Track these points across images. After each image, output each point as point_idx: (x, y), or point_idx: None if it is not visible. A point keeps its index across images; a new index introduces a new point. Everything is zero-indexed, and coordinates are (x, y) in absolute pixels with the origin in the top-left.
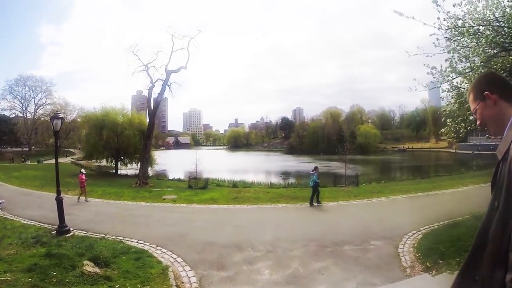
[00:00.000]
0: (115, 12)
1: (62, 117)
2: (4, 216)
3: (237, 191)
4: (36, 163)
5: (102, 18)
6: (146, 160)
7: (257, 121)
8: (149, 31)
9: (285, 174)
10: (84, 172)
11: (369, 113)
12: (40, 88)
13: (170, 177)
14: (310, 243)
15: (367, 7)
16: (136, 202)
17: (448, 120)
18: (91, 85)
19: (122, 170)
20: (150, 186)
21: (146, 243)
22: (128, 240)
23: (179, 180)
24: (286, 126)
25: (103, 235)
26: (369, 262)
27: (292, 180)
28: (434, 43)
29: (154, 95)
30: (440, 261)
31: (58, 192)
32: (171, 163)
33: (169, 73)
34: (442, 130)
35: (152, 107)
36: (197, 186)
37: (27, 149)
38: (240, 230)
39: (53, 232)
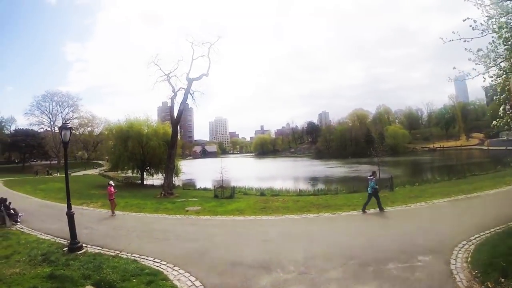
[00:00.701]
0: (135, 27)
1: (71, 127)
2: (22, 230)
3: (265, 200)
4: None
5: (123, 34)
6: (170, 170)
7: (283, 127)
8: (168, 41)
9: (314, 180)
10: (113, 184)
11: (396, 113)
12: (67, 103)
13: (197, 186)
14: (348, 261)
15: (384, 3)
16: (158, 215)
17: (501, 109)
18: (117, 99)
19: (149, 181)
20: (175, 196)
21: (162, 263)
22: (144, 259)
23: (205, 189)
24: (312, 130)
25: (118, 252)
26: (420, 285)
27: (321, 186)
28: (471, 26)
29: (178, 104)
30: (503, 280)
31: (69, 207)
32: (198, 172)
33: (191, 81)
34: (494, 122)
35: (175, 116)
36: (223, 196)
37: (56, 162)
38: (268, 246)
39: (65, 249)
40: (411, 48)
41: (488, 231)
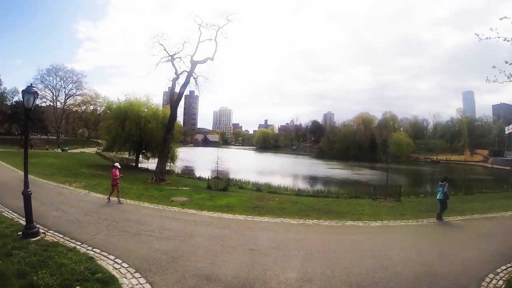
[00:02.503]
0: (149, 10)
1: (36, 91)
2: None
3: (259, 198)
4: (61, 151)
5: (136, 15)
6: (165, 155)
7: (287, 123)
8: (178, 24)
9: (314, 180)
10: (119, 166)
11: (401, 121)
12: (71, 79)
13: (192, 174)
14: None
15: (398, 13)
16: (139, 202)
17: None
18: (124, 80)
19: (144, 164)
20: (167, 183)
21: (123, 265)
22: (103, 257)
23: (199, 178)
24: (316, 129)
25: (78, 244)
26: None
27: (321, 187)
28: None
29: (179, 87)
30: None
31: (26, 185)
32: (197, 160)
33: (195, 63)
34: None
35: (175, 98)
36: (216, 187)
37: (55, 137)
38: (256, 257)
39: (19, 233)
40: (420, 58)
41: None
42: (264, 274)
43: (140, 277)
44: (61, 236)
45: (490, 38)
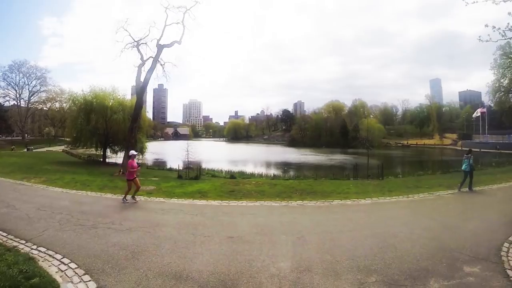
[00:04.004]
0: (118, 4)
1: None
2: None
3: (235, 183)
4: (25, 150)
5: (103, 10)
6: (131, 146)
7: (258, 114)
8: (146, 13)
9: (288, 166)
10: (135, 153)
11: (371, 108)
12: (35, 75)
13: (163, 167)
14: (365, 276)
15: (365, 5)
16: (101, 194)
17: None
18: (92, 77)
19: (112, 159)
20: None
21: (71, 265)
22: (48, 257)
23: (170, 169)
24: (287, 118)
25: (22, 242)
26: None
27: (296, 173)
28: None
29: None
30: None
31: None
32: (167, 153)
33: (161, 47)
34: None
35: (140, 85)
36: (188, 177)
37: (20, 137)
38: (237, 246)
39: None
40: (387, 48)
41: None
42: (250, 266)
43: (89, 281)
44: (4, 234)
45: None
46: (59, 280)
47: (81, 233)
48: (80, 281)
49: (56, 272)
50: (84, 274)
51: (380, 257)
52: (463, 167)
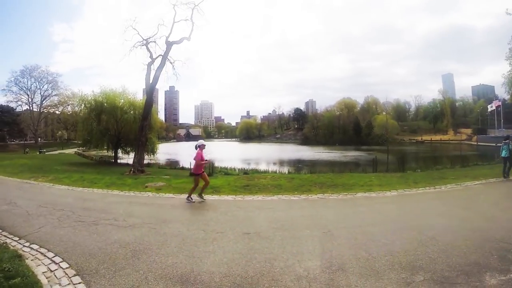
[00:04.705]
0: (125, 9)
1: None
2: None
3: (249, 178)
4: (38, 153)
5: (112, 15)
6: (142, 144)
7: (269, 113)
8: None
9: (303, 163)
10: (204, 143)
11: (383, 104)
12: (46, 79)
13: (175, 166)
14: (410, 274)
15: (372, 1)
16: (108, 191)
17: None
18: (103, 81)
19: (124, 160)
20: (147, 174)
21: (62, 264)
22: (40, 255)
23: (182, 168)
24: (299, 117)
25: (15, 240)
26: None
27: (312, 169)
28: None
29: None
30: None
31: None
32: (180, 153)
33: (170, 44)
34: None
35: (150, 82)
36: None
37: (34, 141)
38: (254, 244)
39: None
40: (396, 45)
41: None
42: (271, 266)
43: (79, 283)
44: None
45: None
46: (44, 281)
47: (80, 229)
48: (69, 283)
49: (43, 272)
50: (75, 275)
51: (422, 251)
52: (502, 154)
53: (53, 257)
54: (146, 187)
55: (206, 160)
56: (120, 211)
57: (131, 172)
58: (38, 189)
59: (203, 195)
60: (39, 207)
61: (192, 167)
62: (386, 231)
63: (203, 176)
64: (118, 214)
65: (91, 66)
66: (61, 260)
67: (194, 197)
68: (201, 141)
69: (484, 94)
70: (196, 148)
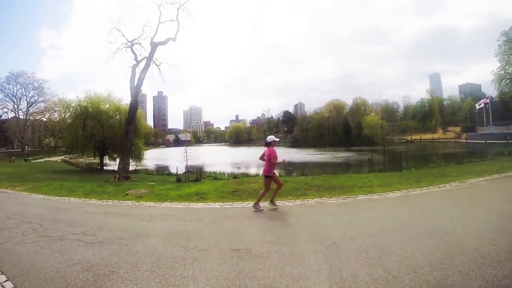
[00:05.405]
0: (113, 15)
1: None
2: None
3: (238, 182)
4: (24, 161)
5: (99, 21)
6: (127, 150)
7: (258, 117)
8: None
9: (294, 166)
10: (276, 139)
11: (372, 105)
12: (32, 85)
13: (163, 171)
14: None
15: (359, 2)
16: (85, 199)
17: None
18: (92, 87)
19: (110, 167)
20: (132, 180)
21: None
22: None
23: (169, 174)
24: (288, 120)
25: None
26: None
27: (306, 171)
28: None
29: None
30: None
31: None
32: (168, 158)
33: (155, 45)
34: None
35: (135, 84)
36: (187, 180)
37: (20, 149)
38: (245, 264)
39: None
40: (384, 46)
41: None
42: None
43: None
44: None
45: None
46: None
47: (42, 246)
48: None
49: None
50: None
51: (449, 264)
52: None
53: (5, 281)
54: (127, 195)
55: (283, 160)
56: (92, 223)
57: (116, 179)
58: (12, 199)
59: (275, 200)
60: (7, 219)
61: (263, 167)
62: (400, 240)
63: (275, 179)
64: (89, 227)
65: (79, 72)
66: (12, 286)
67: (264, 204)
68: (271, 137)
69: (471, 92)
70: (266, 145)
